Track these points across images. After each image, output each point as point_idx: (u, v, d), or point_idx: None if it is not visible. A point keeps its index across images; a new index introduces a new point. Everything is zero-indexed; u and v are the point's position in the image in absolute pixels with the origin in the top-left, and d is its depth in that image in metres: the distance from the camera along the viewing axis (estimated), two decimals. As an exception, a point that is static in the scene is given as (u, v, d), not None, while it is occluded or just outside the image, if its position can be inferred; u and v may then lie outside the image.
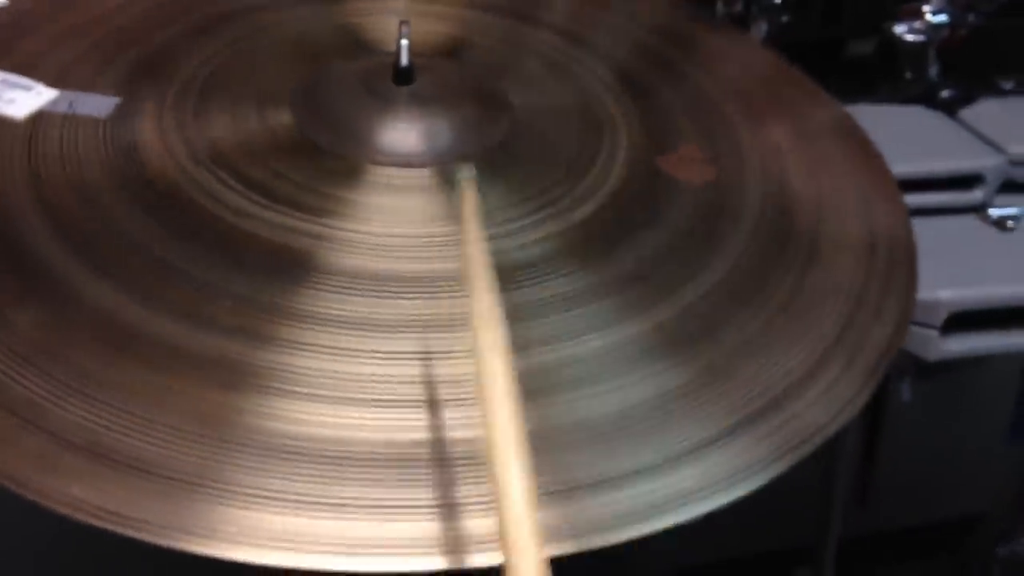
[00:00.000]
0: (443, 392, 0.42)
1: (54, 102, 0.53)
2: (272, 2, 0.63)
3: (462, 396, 0.41)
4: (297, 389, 0.41)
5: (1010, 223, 0.71)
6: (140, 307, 0.43)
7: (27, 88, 0.53)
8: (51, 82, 0.54)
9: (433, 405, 0.41)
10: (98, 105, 0.53)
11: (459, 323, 0.44)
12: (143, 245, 0.46)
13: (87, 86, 0.54)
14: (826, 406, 0.44)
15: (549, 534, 0.36)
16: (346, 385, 0.41)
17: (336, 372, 0.42)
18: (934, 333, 0.66)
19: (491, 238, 0.48)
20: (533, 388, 0.42)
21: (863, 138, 0.61)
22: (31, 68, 0.55)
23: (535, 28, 0.66)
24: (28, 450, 0.37)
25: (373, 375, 0.42)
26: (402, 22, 0.53)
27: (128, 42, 0.58)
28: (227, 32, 0.60)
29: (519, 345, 0.43)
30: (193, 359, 0.41)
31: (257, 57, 0.59)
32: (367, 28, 0.62)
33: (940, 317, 0.65)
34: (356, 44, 0.61)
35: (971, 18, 0.90)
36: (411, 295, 0.45)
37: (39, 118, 0.52)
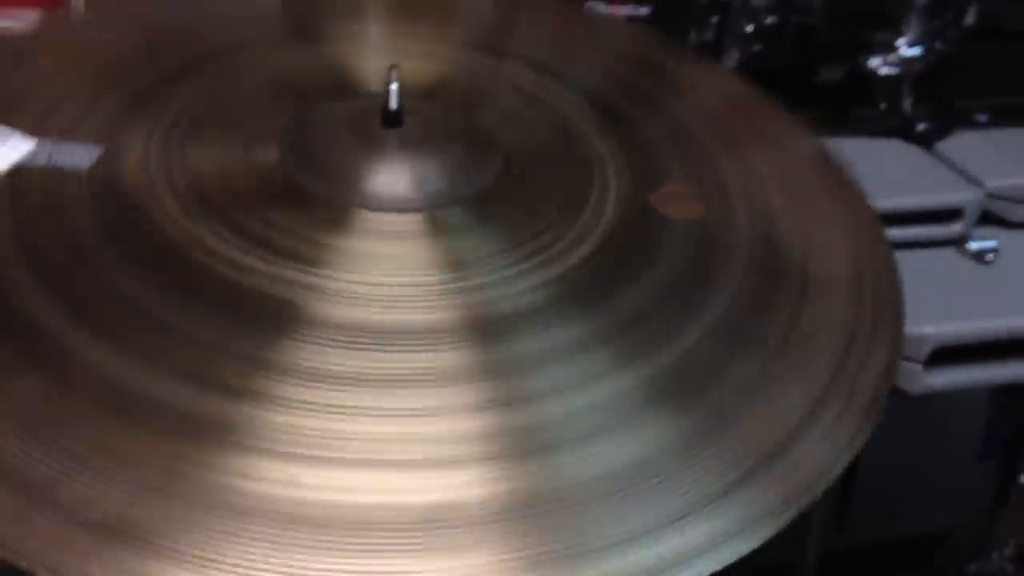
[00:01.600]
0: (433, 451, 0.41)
1: (33, 154, 0.51)
2: (250, 43, 0.62)
3: (463, 455, 0.41)
4: (297, 450, 0.40)
5: (988, 256, 0.72)
6: (142, 370, 0.42)
7: (2, 140, 0.51)
8: (31, 124, 0.52)
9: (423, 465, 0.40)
10: (79, 155, 0.51)
11: (449, 378, 0.43)
12: (136, 301, 0.44)
13: (68, 131, 0.52)
14: (827, 450, 0.44)
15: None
16: (344, 444, 0.40)
17: (335, 431, 0.41)
18: (918, 367, 0.67)
19: (485, 287, 0.48)
20: (537, 445, 0.41)
21: (842, 169, 0.61)
22: (11, 109, 0.53)
23: (515, 63, 0.65)
24: (41, 529, 0.36)
25: (371, 433, 0.41)
26: (392, 66, 0.52)
27: (110, 83, 0.57)
28: (209, 73, 0.59)
29: (520, 400, 0.43)
30: (201, 423, 0.40)
31: (241, 99, 0.58)
32: (351, 68, 0.62)
33: (925, 352, 0.66)
34: (341, 84, 0.60)
35: (939, 45, 0.91)
36: (403, 348, 0.44)
37: (18, 172, 0.50)
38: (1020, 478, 0.94)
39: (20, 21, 0.60)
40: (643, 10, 0.97)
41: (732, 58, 1.04)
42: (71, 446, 0.39)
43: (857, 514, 1.00)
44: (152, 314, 0.44)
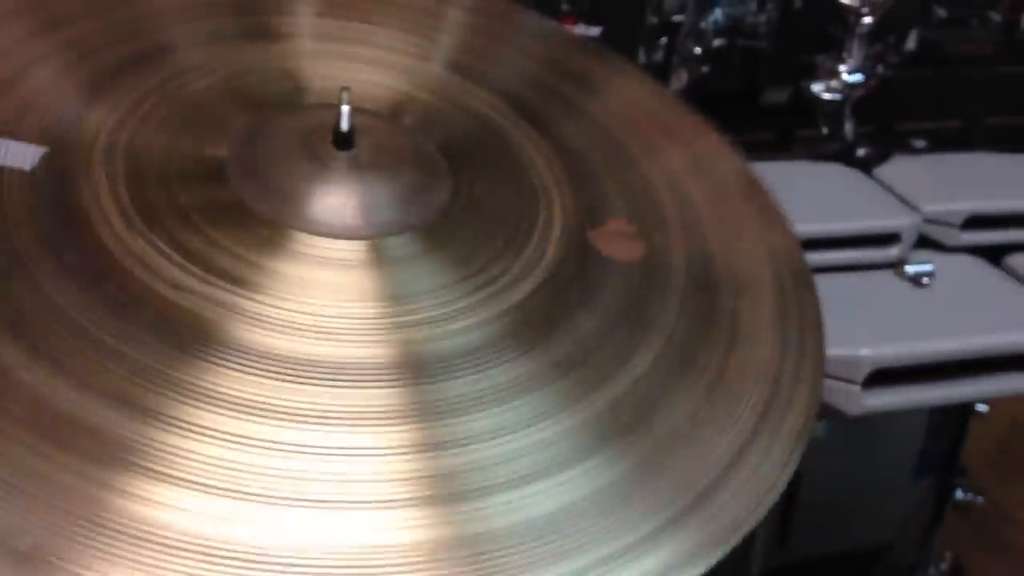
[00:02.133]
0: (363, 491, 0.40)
1: None
2: (205, 38, 0.59)
3: (383, 497, 0.40)
4: (170, 472, 0.39)
5: (925, 279, 0.74)
6: (77, 392, 0.40)
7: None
8: None
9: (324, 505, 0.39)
10: (23, 155, 0.49)
11: (381, 416, 0.42)
12: (75, 320, 0.43)
13: (12, 123, 0.49)
14: (750, 494, 0.44)
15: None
16: (229, 474, 0.39)
17: (218, 458, 0.39)
18: (856, 388, 0.68)
19: (425, 323, 0.46)
20: (471, 487, 0.41)
21: (766, 194, 0.61)
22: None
23: (473, 84, 0.65)
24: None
25: (258, 466, 0.40)
26: (343, 88, 0.51)
27: (59, 71, 0.54)
28: (160, 69, 0.55)
29: (451, 442, 0.42)
30: (128, 449, 0.39)
31: (192, 100, 0.54)
32: (306, 73, 0.59)
33: (862, 373, 0.67)
34: (294, 90, 0.58)
35: (879, 70, 0.93)
36: (316, 382, 0.43)
37: None
38: (956, 494, 0.96)
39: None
40: (594, 30, 0.98)
41: (680, 79, 1.06)
42: (0, 471, 0.37)
43: (798, 530, 1.01)
44: (88, 332, 0.42)
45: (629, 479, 0.43)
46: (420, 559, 0.38)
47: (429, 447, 0.42)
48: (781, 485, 0.45)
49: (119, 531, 0.37)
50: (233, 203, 0.49)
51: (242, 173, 0.51)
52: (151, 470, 0.39)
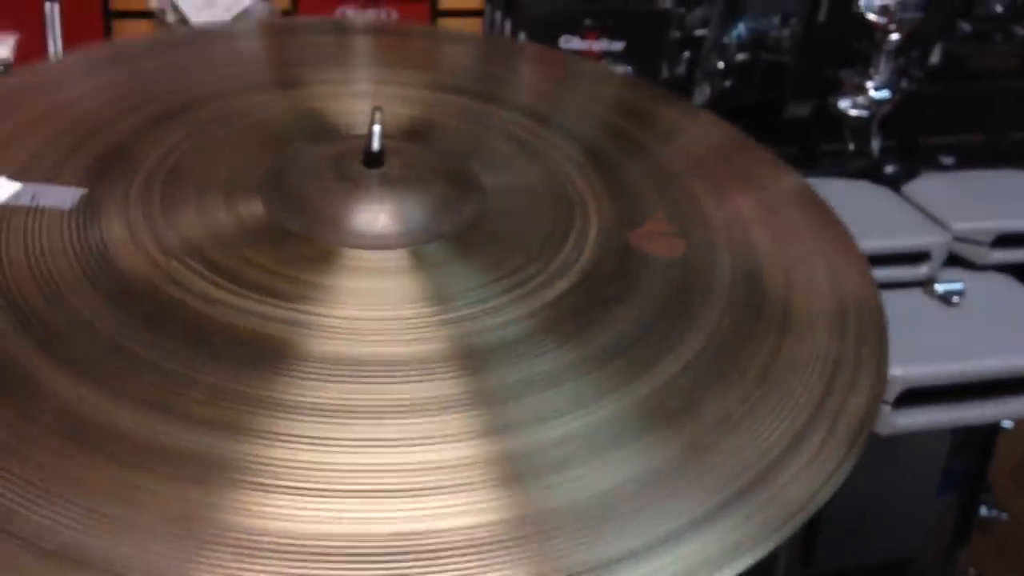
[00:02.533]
0: (425, 480, 0.41)
1: (17, 195, 0.51)
2: (232, 91, 0.63)
3: (443, 484, 0.41)
4: (274, 482, 0.40)
5: (955, 298, 0.74)
6: (109, 402, 0.41)
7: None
8: (14, 173, 0.53)
9: (414, 494, 0.40)
10: (62, 197, 0.51)
11: (435, 408, 0.43)
12: (112, 338, 0.44)
13: (51, 177, 0.53)
14: (809, 480, 0.44)
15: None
16: (325, 476, 0.40)
17: (313, 463, 0.41)
18: (887, 408, 0.68)
19: (467, 319, 0.48)
20: (517, 472, 0.42)
21: (824, 207, 0.62)
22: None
23: (499, 107, 0.66)
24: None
25: (352, 464, 0.41)
26: (375, 108, 0.53)
27: (91, 131, 0.57)
28: (189, 121, 0.59)
29: (500, 428, 0.43)
30: (165, 454, 0.40)
31: (221, 145, 0.58)
32: (329, 112, 0.62)
33: (893, 393, 0.67)
34: (319, 129, 0.61)
35: (903, 84, 0.93)
36: (389, 379, 0.45)
37: (2, 212, 0.50)
38: (980, 510, 0.96)
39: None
40: (617, 45, 0.98)
41: (703, 93, 1.06)
42: (30, 475, 0.38)
43: (822, 546, 1.01)
44: (122, 346, 0.44)
45: (680, 461, 0.43)
46: (471, 543, 0.39)
47: (485, 432, 0.43)
48: (844, 471, 0.45)
49: (149, 529, 0.38)
50: (272, 227, 0.52)
51: (278, 199, 0.53)
52: (181, 470, 0.40)
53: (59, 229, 0.50)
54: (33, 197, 0.51)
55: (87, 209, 0.51)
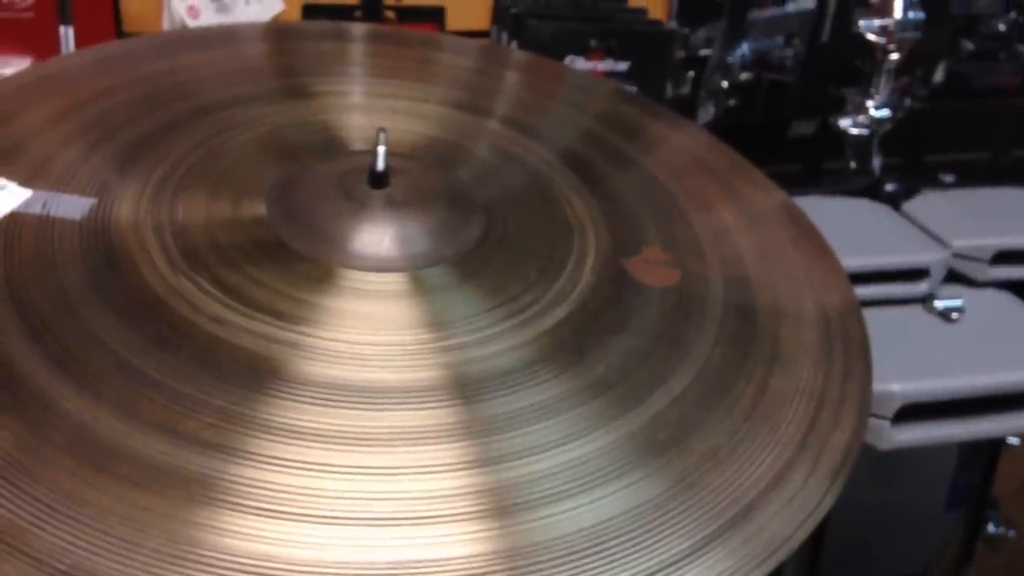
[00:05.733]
0: (417, 508, 0.41)
1: (28, 203, 0.51)
2: (241, 100, 0.63)
3: (436, 513, 0.41)
4: (266, 506, 0.40)
5: (954, 315, 0.74)
6: (118, 421, 0.42)
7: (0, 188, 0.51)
8: (26, 176, 0.52)
9: (408, 522, 0.41)
10: (73, 206, 0.51)
11: (430, 437, 0.44)
12: (118, 353, 0.45)
13: (62, 183, 0.53)
14: (792, 514, 0.45)
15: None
16: (324, 503, 0.41)
17: (305, 488, 0.41)
18: (886, 424, 0.68)
19: (464, 346, 0.48)
20: (508, 504, 0.42)
21: (809, 225, 0.63)
22: (6, 160, 0.53)
23: (499, 124, 0.66)
24: None
25: (348, 491, 0.41)
26: (380, 129, 0.53)
27: (103, 137, 0.57)
28: (201, 128, 0.59)
29: (494, 459, 0.44)
30: (172, 476, 0.40)
31: (232, 155, 0.58)
32: (338, 127, 0.62)
33: (892, 408, 0.68)
34: (329, 142, 0.61)
35: (907, 102, 0.94)
36: (386, 407, 0.45)
37: (12, 220, 0.50)
38: (987, 527, 0.96)
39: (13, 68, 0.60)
40: (622, 65, 0.99)
41: (707, 112, 1.07)
42: (43, 495, 0.39)
43: (828, 564, 1.01)
44: (133, 366, 0.44)
45: (668, 496, 0.44)
46: (476, 570, 0.39)
47: (478, 463, 0.43)
48: (826, 505, 0.45)
49: (158, 552, 0.38)
50: (275, 243, 0.52)
51: (283, 216, 0.53)
52: (191, 492, 0.40)
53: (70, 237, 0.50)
54: (44, 205, 0.51)
55: (98, 218, 0.51)
